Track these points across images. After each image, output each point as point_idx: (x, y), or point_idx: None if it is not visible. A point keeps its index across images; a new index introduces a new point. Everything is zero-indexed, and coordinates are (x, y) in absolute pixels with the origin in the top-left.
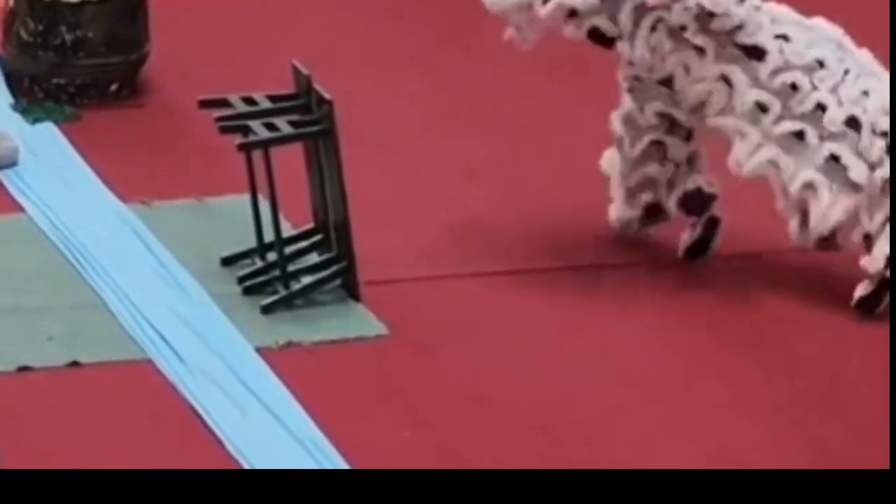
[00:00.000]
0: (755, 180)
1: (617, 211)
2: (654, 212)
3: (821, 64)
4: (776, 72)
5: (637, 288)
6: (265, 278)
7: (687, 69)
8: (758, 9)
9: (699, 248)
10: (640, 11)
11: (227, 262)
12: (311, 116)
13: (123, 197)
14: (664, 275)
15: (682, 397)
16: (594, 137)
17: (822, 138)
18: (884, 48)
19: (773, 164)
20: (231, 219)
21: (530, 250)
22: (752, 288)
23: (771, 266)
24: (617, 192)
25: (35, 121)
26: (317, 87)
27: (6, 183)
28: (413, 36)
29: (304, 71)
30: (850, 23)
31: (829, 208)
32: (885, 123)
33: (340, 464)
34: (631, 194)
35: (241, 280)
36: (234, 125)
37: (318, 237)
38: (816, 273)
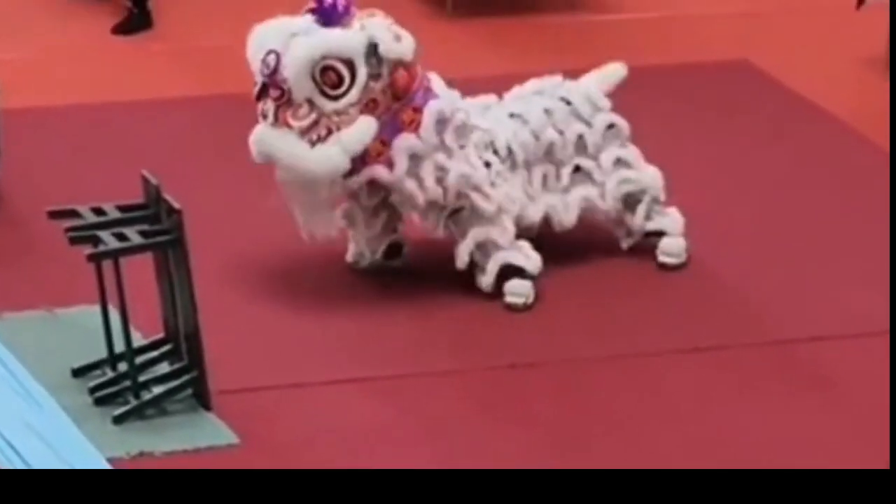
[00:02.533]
0: None
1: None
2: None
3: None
4: None
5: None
6: (116, 389)
7: None
8: None
9: None
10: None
11: (78, 372)
12: (161, 226)
13: None
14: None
15: None
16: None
17: None
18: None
19: None
20: (81, 329)
21: (383, 356)
22: None
23: None
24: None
25: None
26: (166, 196)
27: None
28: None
29: (153, 181)
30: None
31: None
32: None
33: None
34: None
35: (92, 391)
36: (83, 235)
37: (168, 347)
38: None
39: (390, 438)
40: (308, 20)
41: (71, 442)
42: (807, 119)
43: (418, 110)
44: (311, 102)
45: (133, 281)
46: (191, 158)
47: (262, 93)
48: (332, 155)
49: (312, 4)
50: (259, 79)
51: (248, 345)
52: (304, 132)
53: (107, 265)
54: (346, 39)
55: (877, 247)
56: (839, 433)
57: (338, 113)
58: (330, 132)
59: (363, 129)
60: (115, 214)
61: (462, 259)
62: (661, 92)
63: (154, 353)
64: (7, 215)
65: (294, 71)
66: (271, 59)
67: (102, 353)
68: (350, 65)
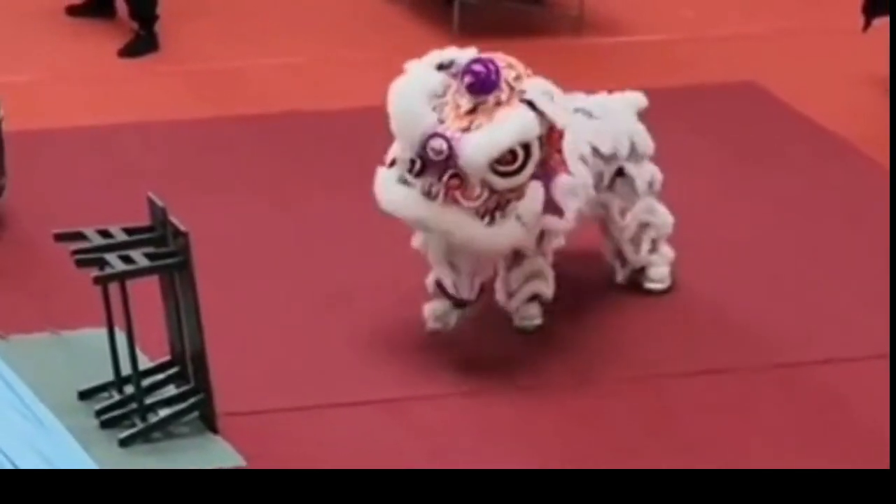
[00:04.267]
0: None
1: None
2: None
3: None
4: None
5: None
6: (123, 411)
7: None
8: None
9: None
10: None
11: (85, 395)
12: (168, 249)
13: None
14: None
15: None
16: None
17: None
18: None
19: None
20: (88, 352)
21: (390, 378)
22: None
23: None
24: None
25: None
26: (172, 219)
27: None
28: (264, 166)
29: (160, 203)
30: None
31: None
32: None
33: None
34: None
35: (98, 413)
36: (90, 258)
37: (175, 369)
38: None
39: (398, 460)
40: (447, 78)
41: (77, 465)
42: (813, 141)
43: (559, 150)
44: (483, 182)
45: (139, 303)
46: (197, 181)
47: (424, 170)
48: (512, 231)
49: (469, 80)
50: (416, 156)
51: (254, 367)
52: (478, 211)
53: (113, 288)
54: (526, 129)
55: (883, 269)
56: (847, 455)
57: (511, 189)
58: (499, 205)
59: (535, 197)
60: (121, 237)
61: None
62: (667, 114)
63: (161, 376)
64: (13, 237)
65: (475, 168)
66: (441, 145)
67: (109, 376)
68: (526, 146)
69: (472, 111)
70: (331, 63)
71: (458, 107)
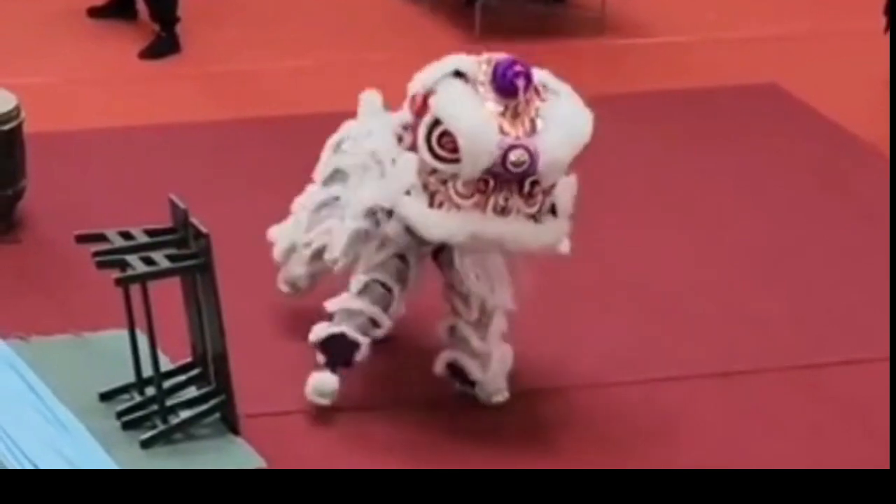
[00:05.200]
0: None
1: None
2: None
3: None
4: None
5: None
6: (144, 413)
7: None
8: None
9: None
10: None
11: (106, 397)
12: (189, 250)
13: (1, 333)
14: None
15: None
16: None
17: None
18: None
19: None
20: (109, 353)
21: (409, 382)
22: None
23: None
24: None
25: None
26: (193, 220)
27: None
28: (285, 167)
29: (181, 205)
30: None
31: None
32: None
33: None
34: None
35: (119, 415)
36: (111, 260)
37: (196, 371)
38: None
39: (417, 462)
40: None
41: (98, 466)
42: (834, 143)
43: None
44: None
45: (161, 305)
46: (218, 182)
47: (498, 187)
48: (558, 225)
49: (510, 82)
50: (489, 175)
51: (275, 369)
52: (535, 216)
53: (134, 289)
54: (590, 122)
55: None
56: (868, 458)
57: (553, 185)
58: (544, 203)
59: (567, 188)
60: (142, 238)
61: None
62: (689, 115)
63: (182, 378)
64: (35, 239)
65: (558, 172)
66: (522, 156)
67: (130, 378)
68: None
69: (515, 113)
70: (352, 65)
71: (499, 113)
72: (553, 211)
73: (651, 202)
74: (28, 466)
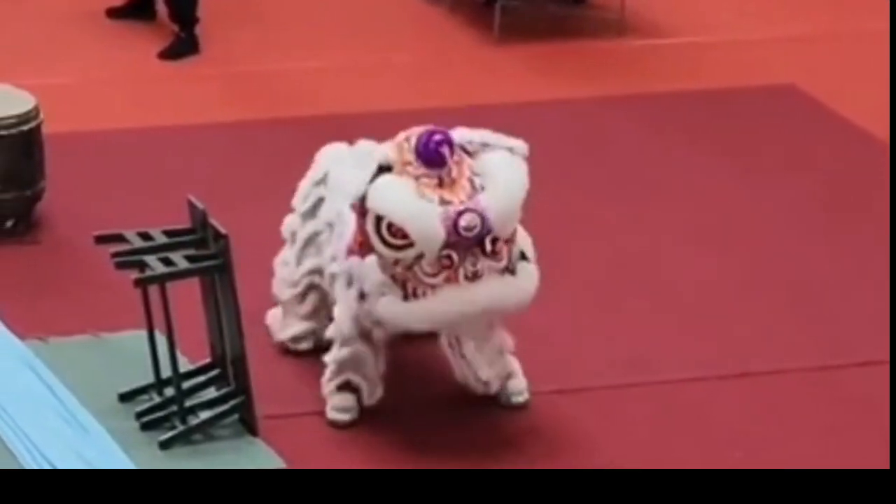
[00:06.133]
0: None
1: None
2: None
3: None
4: None
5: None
6: (163, 414)
7: None
8: None
9: None
10: None
11: (125, 397)
12: (208, 251)
13: (20, 334)
14: None
15: None
16: None
17: None
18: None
19: None
20: (128, 354)
21: (429, 382)
22: None
23: None
24: None
25: None
26: (212, 221)
27: None
28: (302, 168)
29: (200, 206)
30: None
31: None
32: None
33: None
34: None
35: (138, 416)
36: (130, 260)
37: (215, 372)
38: None
39: (436, 463)
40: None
41: (117, 467)
42: (852, 144)
43: None
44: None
45: (179, 306)
46: (237, 183)
47: (462, 256)
48: (530, 272)
49: (435, 154)
50: (447, 249)
51: (294, 370)
52: (507, 268)
53: (153, 290)
54: (524, 169)
55: None
56: (888, 458)
57: (514, 233)
58: (511, 253)
59: (523, 234)
60: (161, 239)
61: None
62: (707, 116)
63: (201, 378)
64: (53, 240)
65: (512, 223)
66: (473, 219)
67: (149, 378)
68: None
69: (451, 181)
70: (371, 66)
71: (435, 185)
72: (523, 256)
73: (668, 202)
74: (47, 467)
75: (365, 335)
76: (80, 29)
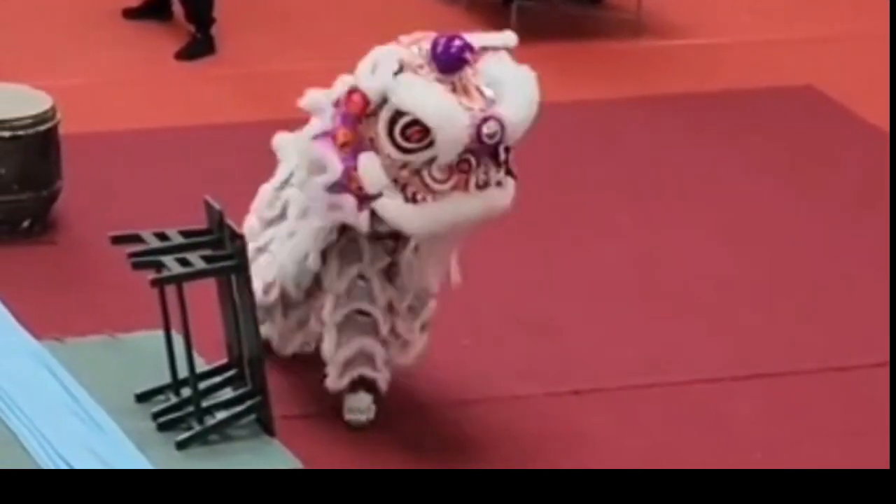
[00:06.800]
0: None
1: None
2: None
3: None
4: None
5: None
6: (180, 414)
7: None
8: None
9: None
10: None
11: (142, 398)
12: (224, 251)
13: (37, 334)
14: None
15: None
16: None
17: None
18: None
19: None
20: (145, 354)
21: (446, 383)
22: None
23: None
24: None
25: None
26: (229, 222)
27: None
28: None
29: (217, 206)
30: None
31: None
32: None
33: None
34: None
35: (155, 416)
36: (147, 261)
37: (232, 372)
38: None
39: (455, 463)
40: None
41: (133, 467)
42: (870, 144)
43: None
44: None
45: (196, 306)
46: (254, 184)
47: (477, 162)
48: (513, 185)
49: (453, 59)
50: (467, 152)
51: (311, 370)
52: (499, 181)
53: (170, 290)
54: (535, 80)
55: None
56: None
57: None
58: (508, 164)
59: None
60: (178, 239)
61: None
62: (724, 117)
63: (217, 379)
64: (70, 240)
65: (522, 133)
66: (494, 127)
67: (166, 379)
68: None
69: (464, 87)
70: None
71: (451, 90)
72: (510, 171)
73: (686, 203)
74: (62, 466)
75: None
76: (97, 29)
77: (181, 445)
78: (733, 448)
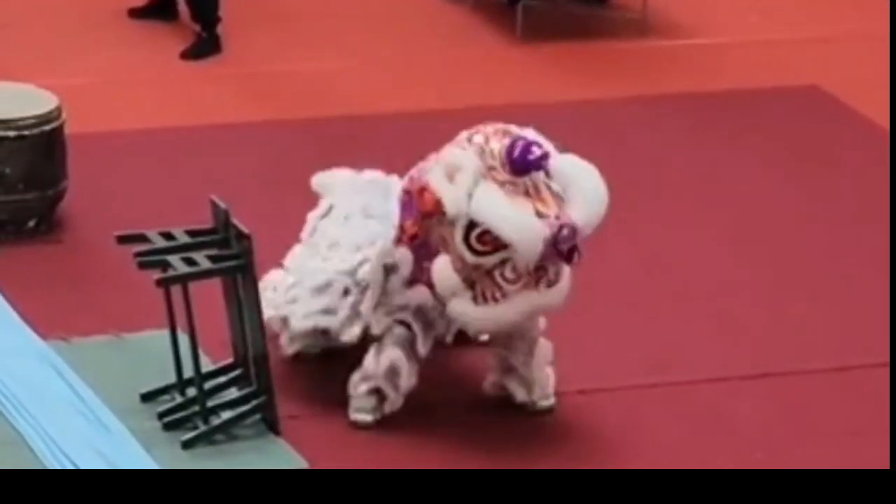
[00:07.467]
0: None
1: None
2: None
3: None
4: None
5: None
6: (185, 414)
7: None
8: None
9: None
10: None
11: (147, 397)
12: (230, 251)
13: (42, 333)
14: None
15: None
16: None
17: None
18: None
19: None
20: (150, 354)
21: (451, 382)
22: None
23: None
24: None
25: None
26: (235, 221)
27: None
28: (323, 168)
29: (223, 205)
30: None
31: None
32: None
33: None
34: None
35: (161, 416)
36: (152, 260)
37: (237, 372)
38: None
39: (463, 463)
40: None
41: (139, 467)
42: (876, 145)
43: None
44: None
45: (202, 306)
46: (259, 183)
47: (550, 266)
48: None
49: (528, 162)
50: (541, 260)
51: (316, 370)
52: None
53: (175, 290)
54: (604, 187)
55: None
56: None
57: None
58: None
59: None
60: (184, 239)
61: None
62: (730, 117)
63: (223, 379)
64: (76, 240)
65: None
66: (569, 232)
67: (171, 378)
68: None
69: (536, 189)
70: (393, 66)
71: (523, 193)
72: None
73: (691, 203)
74: (68, 466)
75: (410, 345)
76: (102, 29)
77: (186, 445)
78: (735, 448)
